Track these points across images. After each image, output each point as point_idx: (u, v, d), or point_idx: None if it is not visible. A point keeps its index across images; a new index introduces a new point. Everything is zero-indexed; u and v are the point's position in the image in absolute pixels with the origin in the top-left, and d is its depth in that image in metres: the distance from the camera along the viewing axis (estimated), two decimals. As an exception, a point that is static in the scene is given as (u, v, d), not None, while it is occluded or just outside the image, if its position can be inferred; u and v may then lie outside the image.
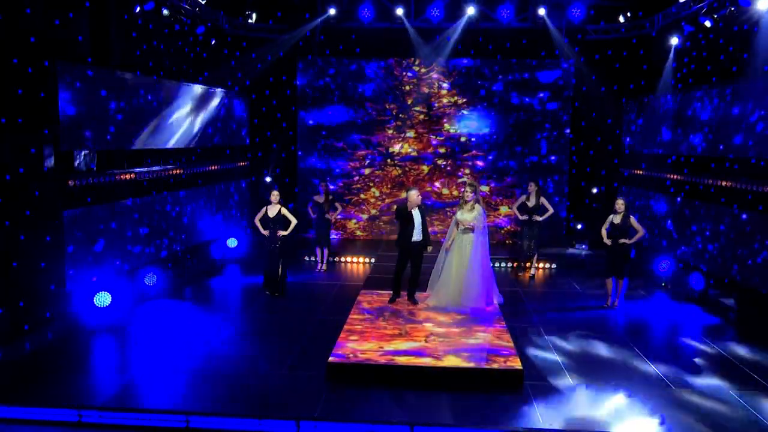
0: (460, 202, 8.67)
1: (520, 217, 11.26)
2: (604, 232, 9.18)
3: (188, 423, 5.61)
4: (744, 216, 9.11)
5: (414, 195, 8.52)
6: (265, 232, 9.59)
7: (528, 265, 11.43)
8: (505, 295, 9.17)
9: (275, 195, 9.67)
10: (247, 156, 14.16)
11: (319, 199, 11.50)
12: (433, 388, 6.27)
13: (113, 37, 9.30)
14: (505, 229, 14.09)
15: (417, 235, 8.61)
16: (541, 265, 11.90)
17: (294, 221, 9.64)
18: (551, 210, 11.22)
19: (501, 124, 13.92)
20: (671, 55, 11.68)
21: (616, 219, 9.08)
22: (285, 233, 9.59)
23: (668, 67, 11.84)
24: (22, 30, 7.38)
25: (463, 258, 8.45)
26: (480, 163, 14.06)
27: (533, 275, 11.36)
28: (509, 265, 12.08)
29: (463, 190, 8.64)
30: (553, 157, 13.96)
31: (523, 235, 11.32)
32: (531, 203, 11.11)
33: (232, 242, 12.46)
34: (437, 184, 14.15)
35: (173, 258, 10.77)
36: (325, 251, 11.77)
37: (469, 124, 13.96)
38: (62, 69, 8.01)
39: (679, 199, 11.10)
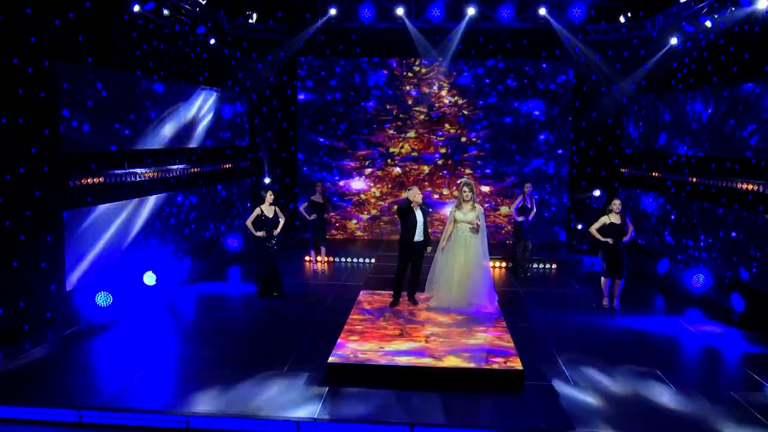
0: (459, 201, 8.63)
1: (518, 219, 11.25)
2: (595, 232, 9.15)
3: (188, 423, 5.61)
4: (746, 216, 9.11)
5: (413, 193, 8.49)
6: (261, 233, 9.59)
7: (527, 265, 11.42)
8: (506, 295, 9.16)
9: (271, 195, 9.69)
10: (248, 156, 14.16)
11: (318, 199, 11.47)
12: (433, 388, 6.26)
13: (113, 37, 9.30)
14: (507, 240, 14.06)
15: (419, 235, 8.60)
16: (540, 265, 11.89)
17: (283, 218, 9.84)
18: (535, 209, 11.32)
19: (501, 125, 13.90)
20: (661, 53, 11.71)
21: (615, 219, 9.06)
22: (277, 231, 9.67)
23: (663, 66, 11.85)
24: (22, 30, 7.39)
25: (468, 257, 8.43)
26: (480, 163, 14.05)
27: (533, 275, 11.36)
28: (508, 265, 12.07)
29: (461, 190, 8.61)
30: (551, 162, 13.95)
31: (522, 235, 11.32)
32: (529, 203, 11.15)
33: (232, 242, 12.47)
34: (436, 194, 14.15)
35: (173, 258, 10.75)
36: (323, 251, 11.78)
37: (469, 125, 13.95)
38: (62, 69, 8.00)
39: (673, 209, 11.10)
